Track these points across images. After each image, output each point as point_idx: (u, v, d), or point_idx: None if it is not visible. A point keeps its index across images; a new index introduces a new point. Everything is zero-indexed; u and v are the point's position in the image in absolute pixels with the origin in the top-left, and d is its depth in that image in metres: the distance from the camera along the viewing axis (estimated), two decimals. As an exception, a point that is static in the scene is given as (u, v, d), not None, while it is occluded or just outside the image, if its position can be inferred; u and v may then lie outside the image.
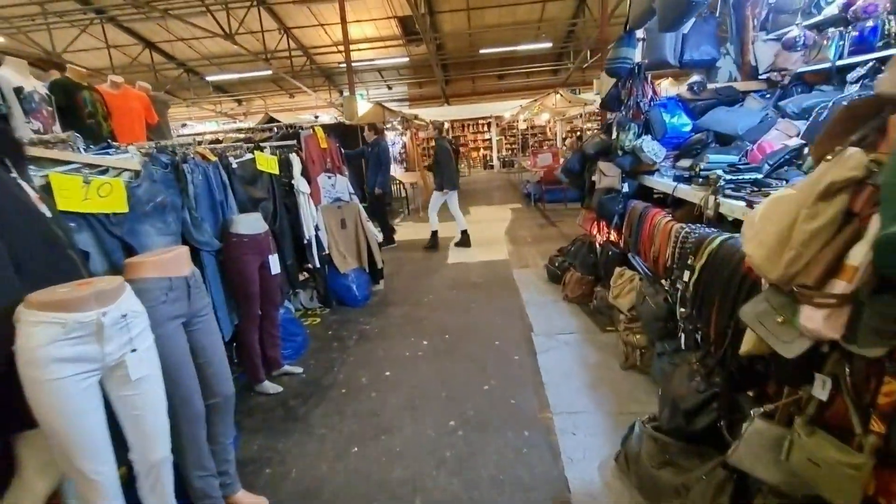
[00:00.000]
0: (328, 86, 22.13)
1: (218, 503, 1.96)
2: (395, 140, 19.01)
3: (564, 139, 18.70)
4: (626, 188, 3.95)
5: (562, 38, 18.88)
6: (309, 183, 4.14)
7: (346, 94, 11.35)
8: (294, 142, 4.37)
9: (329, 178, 4.68)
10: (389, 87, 23.06)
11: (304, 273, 4.46)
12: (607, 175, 3.93)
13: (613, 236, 3.90)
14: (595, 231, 4.33)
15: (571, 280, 4.35)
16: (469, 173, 21.21)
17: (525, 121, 16.98)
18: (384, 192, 7.91)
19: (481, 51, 18.63)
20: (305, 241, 4.15)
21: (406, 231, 8.70)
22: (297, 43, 17.91)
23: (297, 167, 4.03)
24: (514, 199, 11.71)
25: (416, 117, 9.90)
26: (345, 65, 20.54)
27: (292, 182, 3.98)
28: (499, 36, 18.95)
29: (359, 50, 19.13)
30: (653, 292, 2.77)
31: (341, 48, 19.16)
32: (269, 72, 18.44)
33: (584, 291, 4.22)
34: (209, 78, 20.06)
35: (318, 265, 4.28)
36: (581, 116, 20.75)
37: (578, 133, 18.48)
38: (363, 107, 9.56)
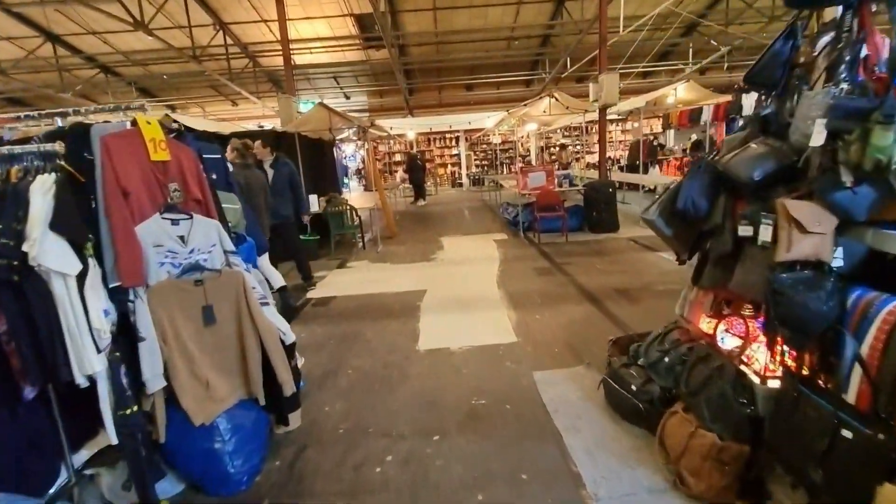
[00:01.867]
0: (276, 92, 19.38)
1: None
2: (350, 154, 16.39)
3: (542, 153, 16.73)
4: (841, 260, 1.69)
5: (536, 46, 17.07)
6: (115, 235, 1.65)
7: (285, 94, 8.82)
8: (60, 146, 1.85)
9: (174, 223, 2.20)
10: (347, 97, 20.57)
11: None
12: (804, 230, 1.65)
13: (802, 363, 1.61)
14: (742, 344, 2.05)
15: (691, 444, 2.00)
16: (436, 192, 18.91)
17: (500, 134, 14.92)
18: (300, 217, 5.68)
19: (450, 55, 16.55)
20: (79, 384, 1.67)
21: (353, 279, 6.21)
22: (236, 41, 15.21)
23: (39, 207, 1.55)
24: (496, 227, 9.44)
25: (372, 123, 7.49)
26: (294, 68, 17.99)
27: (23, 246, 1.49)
28: (468, 46, 16.95)
29: (310, 51, 16.64)
30: None
31: (291, 47, 16.66)
32: (204, 74, 15.66)
33: (731, 480, 1.89)
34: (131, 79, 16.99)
35: (114, 439, 1.79)
36: (559, 131, 18.97)
37: (557, 146, 16.56)
38: (313, 112, 7.11)
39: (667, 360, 2.39)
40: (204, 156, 2.71)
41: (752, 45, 16.63)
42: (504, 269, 6.03)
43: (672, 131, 16.01)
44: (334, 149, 11.04)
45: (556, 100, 7.66)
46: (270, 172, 5.38)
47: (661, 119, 18.71)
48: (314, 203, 7.49)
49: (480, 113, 19.29)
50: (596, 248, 6.84)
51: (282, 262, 5.79)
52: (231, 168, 3.21)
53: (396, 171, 17.17)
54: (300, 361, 3.48)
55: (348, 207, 7.39)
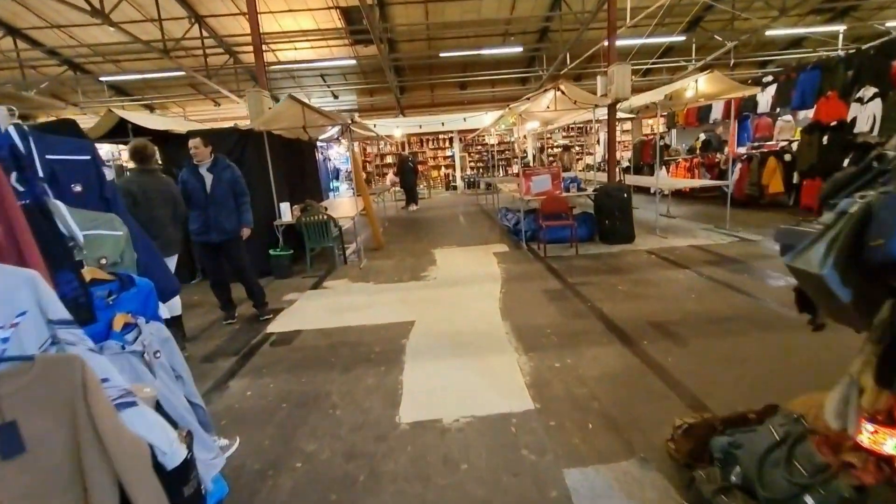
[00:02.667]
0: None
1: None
2: (341, 155, 15.33)
3: (540, 155, 15.78)
4: None
5: (533, 41, 16.11)
6: None
7: (255, 87, 7.77)
8: None
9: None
10: (335, 96, 19.52)
11: None
12: None
13: None
14: None
15: None
16: (430, 195, 17.88)
17: (497, 134, 13.95)
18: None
19: (442, 54, 15.54)
20: None
21: (327, 305, 5.17)
22: (213, 35, 14.10)
23: None
24: (495, 236, 8.43)
25: (353, 120, 6.46)
26: (278, 65, 16.89)
27: None
28: (461, 40, 15.95)
29: (295, 48, 15.58)
30: None
31: (272, 44, 15.56)
32: (182, 72, 14.57)
33: None
34: (103, 78, 15.83)
35: None
36: (558, 131, 18.00)
37: (559, 147, 15.61)
38: (283, 107, 6.06)
39: (811, 501, 1.38)
40: (49, 157, 1.68)
41: (766, 39, 15.83)
42: (507, 291, 5.02)
43: (674, 131, 15.11)
44: (316, 150, 9.98)
45: (563, 93, 6.68)
46: (208, 178, 4.33)
47: (663, 118, 17.88)
48: (286, 212, 6.44)
49: (475, 113, 18.34)
50: (612, 264, 5.85)
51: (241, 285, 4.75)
52: (116, 176, 2.17)
53: (387, 174, 16.09)
54: (233, 448, 2.45)
55: (326, 217, 6.35)
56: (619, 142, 19.79)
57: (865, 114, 7.79)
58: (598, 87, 7.95)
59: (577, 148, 19.58)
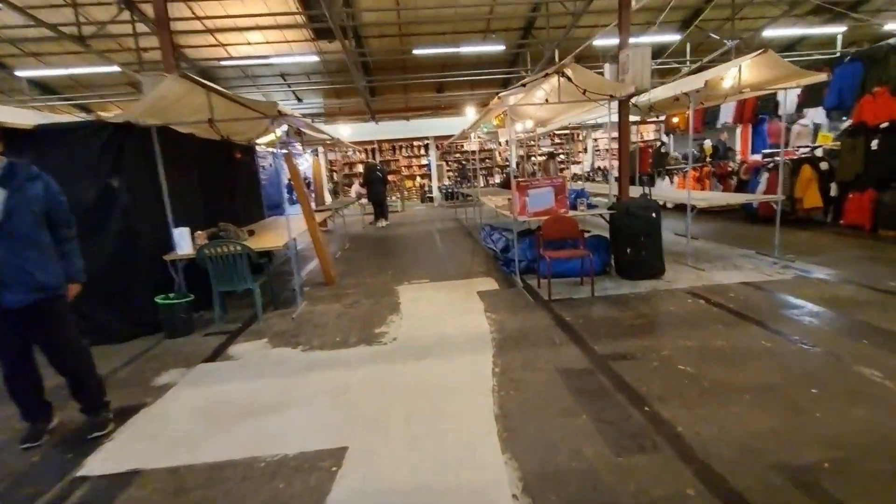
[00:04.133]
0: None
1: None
2: (271, 166, 13.25)
3: (525, 164, 14.09)
4: None
5: (517, 38, 14.49)
6: None
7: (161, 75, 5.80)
8: None
9: None
10: (299, 98, 17.50)
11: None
12: None
13: None
14: None
15: None
16: (403, 208, 15.97)
17: (478, 139, 12.20)
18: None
19: (416, 51, 13.77)
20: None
21: (211, 401, 3.21)
22: (145, 20, 11.99)
23: None
24: (479, 265, 6.58)
25: (281, 111, 4.50)
26: (230, 62, 14.78)
27: None
28: (437, 37, 14.23)
29: (248, 41, 13.57)
30: None
31: (218, 34, 13.40)
32: (116, 68, 12.44)
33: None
34: (21, 73, 13.48)
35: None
36: (545, 137, 16.38)
37: (544, 154, 13.95)
38: (170, 90, 4.08)
39: None
40: None
41: (762, 41, 14.52)
42: (504, 372, 3.16)
43: (671, 137, 13.65)
44: (255, 156, 7.98)
45: (569, 79, 4.94)
46: (0, 195, 2.38)
47: (656, 123, 16.48)
48: (183, 241, 4.46)
49: (453, 118, 16.64)
50: (649, 315, 4.06)
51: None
52: None
53: (352, 185, 14.04)
54: None
55: (241, 247, 4.38)
56: (607, 150, 18.35)
57: (928, 112, 6.31)
58: (606, 76, 6.24)
59: (562, 156, 18.02)
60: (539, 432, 2.42)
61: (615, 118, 5.74)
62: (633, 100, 5.69)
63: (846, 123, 9.66)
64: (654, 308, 4.20)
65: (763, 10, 14.01)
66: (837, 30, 14.45)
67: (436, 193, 17.22)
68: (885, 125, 6.74)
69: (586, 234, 5.14)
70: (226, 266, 4.39)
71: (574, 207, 5.41)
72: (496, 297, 4.92)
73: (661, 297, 4.49)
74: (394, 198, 16.57)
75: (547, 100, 5.65)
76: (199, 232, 4.66)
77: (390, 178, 17.23)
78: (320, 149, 15.46)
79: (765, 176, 8.13)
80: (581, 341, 3.56)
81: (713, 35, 13.65)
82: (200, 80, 4.14)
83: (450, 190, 16.59)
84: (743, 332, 3.50)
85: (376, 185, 11.28)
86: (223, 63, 13.86)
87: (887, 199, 6.48)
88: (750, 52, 4.93)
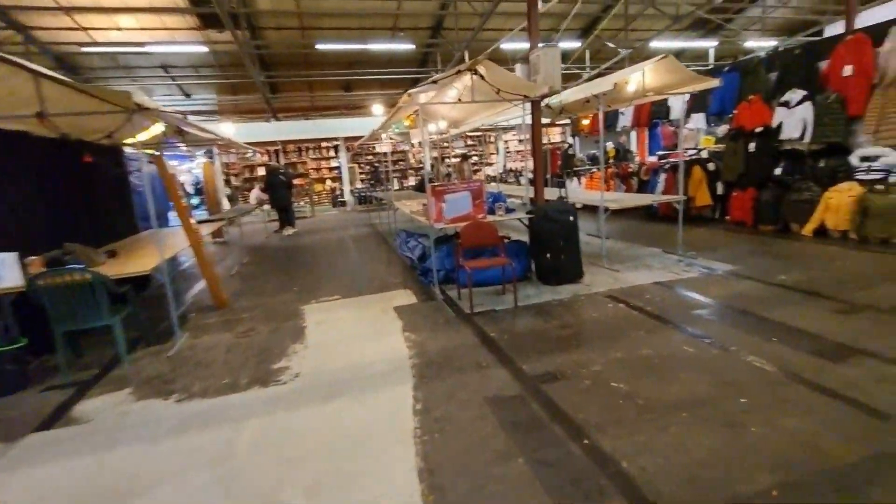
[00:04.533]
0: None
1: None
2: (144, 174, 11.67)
3: (439, 166, 13.87)
4: None
5: (426, 38, 14.21)
6: None
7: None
8: None
9: None
10: (187, 94, 15.64)
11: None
12: None
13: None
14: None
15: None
16: (313, 213, 14.94)
17: (391, 140, 11.68)
18: None
19: (319, 46, 12.91)
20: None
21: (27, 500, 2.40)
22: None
23: None
24: (395, 276, 6.11)
25: (139, 105, 3.64)
26: (92, 49, 12.64)
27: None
28: (342, 32, 13.47)
29: (118, 26, 11.72)
30: None
31: (84, 21, 11.30)
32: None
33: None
34: None
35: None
36: (459, 139, 16.29)
37: (457, 157, 13.85)
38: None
39: None
40: None
41: (649, 51, 15.73)
42: (428, 408, 2.73)
43: (577, 139, 14.28)
44: (123, 161, 6.72)
45: (482, 78, 4.67)
46: None
47: (563, 126, 17.20)
48: (5, 269, 3.44)
49: (364, 119, 15.94)
50: (573, 324, 3.90)
51: None
52: None
53: (251, 190, 12.68)
54: None
55: (91, 275, 3.47)
56: (518, 151, 18.83)
57: (794, 118, 7.04)
58: (519, 74, 6.11)
59: (475, 158, 18.15)
60: (471, 490, 2.02)
61: (528, 119, 5.60)
62: (545, 101, 5.61)
63: (722, 128, 10.66)
64: (578, 316, 4.06)
65: (651, 22, 15.20)
66: (710, 44, 16.16)
67: (348, 197, 16.39)
68: (759, 130, 7.44)
69: (506, 241, 4.91)
70: (69, 299, 3.45)
71: (492, 212, 5.16)
72: (415, 312, 4.49)
73: (582, 303, 4.38)
74: (302, 203, 15.47)
75: (460, 99, 5.34)
76: (33, 258, 3.64)
77: (298, 182, 16.08)
78: (215, 150, 13.90)
79: (663, 176, 8.64)
80: (509, 361, 3.26)
81: (609, 43, 14.51)
82: (19, 61, 3.19)
83: (363, 194, 15.87)
84: (665, 338, 3.44)
85: (279, 189, 10.28)
86: (86, 50, 11.83)
87: (765, 197, 7.13)
88: (641, 62, 5.07)
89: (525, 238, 5.31)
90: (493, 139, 17.97)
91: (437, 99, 5.52)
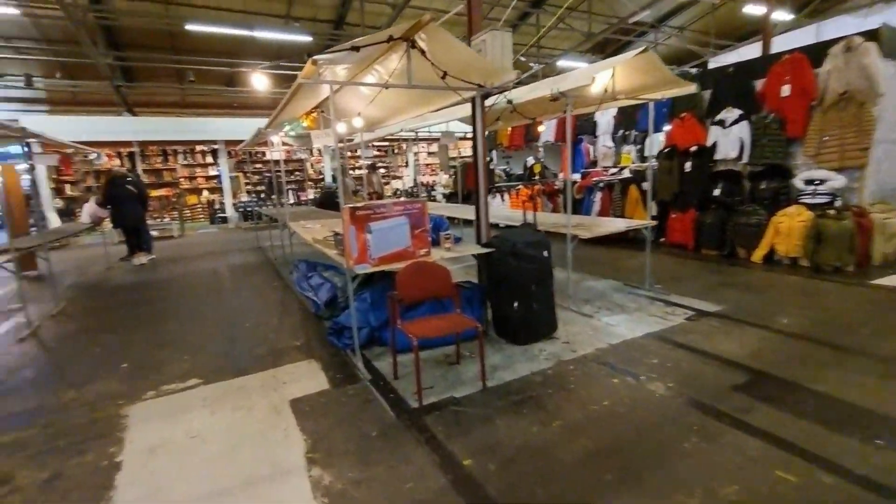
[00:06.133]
0: None
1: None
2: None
3: (344, 178, 11.94)
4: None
5: (328, 30, 12.32)
6: None
7: None
8: None
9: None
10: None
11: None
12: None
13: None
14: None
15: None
16: (182, 232, 11.97)
17: (285, 148, 9.55)
18: None
19: (189, 26, 10.36)
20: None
21: None
22: None
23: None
24: (291, 330, 4.24)
25: None
26: None
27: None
28: (220, 13, 11.03)
29: None
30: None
31: None
32: None
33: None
34: None
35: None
36: (369, 146, 14.51)
37: (363, 168, 12.13)
38: None
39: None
40: None
41: (556, 70, 15.59)
42: None
43: (495, 153, 13.44)
44: None
45: (422, 53, 3.17)
46: None
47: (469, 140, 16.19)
48: None
49: (251, 119, 13.43)
50: (581, 423, 2.51)
51: None
52: None
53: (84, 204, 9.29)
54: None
55: None
56: (427, 164, 17.60)
57: (730, 138, 6.65)
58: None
59: (382, 170, 16.50)
60: None
61: (450, 127, 4.21)
62: (503, 96, 4.30)
63: (631, 147, 10.41)
64: (583, 407, 2.68)
65: (557, 42, 15.06)
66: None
67: (230, 212, 13.61)
68: (694, 149, 7.00)
69: (462, 287, 3.41)
70: None
71: (435, 243, 3.64)
72: (327, 412, 2.75)
73: (576, 378, 3.03)
74: (168, 218, 12.40)
75: (387, 80, 3.76)
76: None
77: (163, 192, 12.94)
78: (37, 148, 10.38)
79: (598, 195, 7.89)
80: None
81: (521, 58, 14.00)
82: None
83: (249, 208, 13.27)
84: (735, 450, 2.19)
85: (127, 203, 7.58)
86: None
87: (709, 219, 6.62)
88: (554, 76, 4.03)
89: (470, 277, 3.87)
90: (402, 149, 16.51)
91: (356, 77, 3.85)
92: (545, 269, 3.55)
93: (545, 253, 3.54)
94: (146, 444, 2.51)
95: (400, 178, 16.58)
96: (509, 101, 4.24)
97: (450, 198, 12.35)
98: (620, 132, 8.90)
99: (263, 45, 12.10)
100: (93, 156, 10.76)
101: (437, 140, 14.22)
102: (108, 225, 8.35)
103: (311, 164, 15.30)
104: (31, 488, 2.18)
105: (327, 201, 10.33)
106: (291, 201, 13.78)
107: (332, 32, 12.05)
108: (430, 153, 17.54)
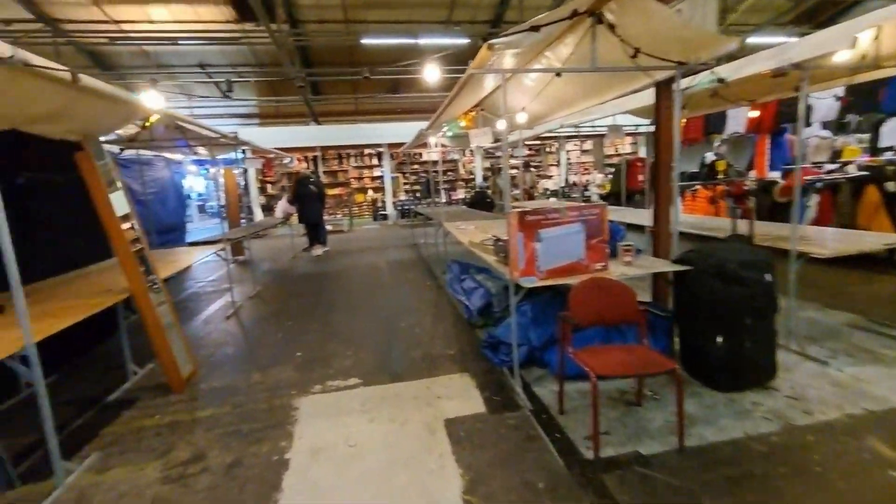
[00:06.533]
0: (107, 77, 12.92)
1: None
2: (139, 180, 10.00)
3: (495, 178, 11.84)
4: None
5: (483, 32, 12.29)
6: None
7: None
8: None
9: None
10: (226, 94, 14.51)
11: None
12: None
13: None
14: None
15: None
16: (351, 227, 13.27)
17: (441, 148, 9.80)
18: None
19: (364, 40, 11.32)
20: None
21: None
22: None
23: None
24: (445, 337, 4.10)
25: (77, 77, 1.87)
26: (122, 38, 11.44)
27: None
28: (388, 25, 11.82)
29: (149, 18, 10.60)
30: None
31: (114, 13, 10.13)
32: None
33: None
34: None
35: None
36: (521, 145, 14.28)
37: (517, 167, 11.76)
38: None
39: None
40: None
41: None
42: None
43: (643, 148, 11.81)
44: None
45: (610, 27, 2.63)
46: None
47: (635, 136, 14.55)
48: None
49: (412, 123, 14.18)
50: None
51: None
52: None
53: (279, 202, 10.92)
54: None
55: None
56: (580, 163, 16.49)
57: None
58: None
59: (533, 168, 15.96)
60: None
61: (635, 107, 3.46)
62: (699, 78, 3.48)
63: (851, 137, 7.99)
64: (839, 499, 1.86)
65: (747, 16, 12.57)
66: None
67: (390, 210, 14.65)
68: None
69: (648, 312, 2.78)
70: None
71: (614, 255, 3.06)
72: (483, 444, 2.43)
73: (822, 459, 2.16)
74: (340, 215, 13.88)
75: (566, 68, 3.29)
76: None
77: (337, 191, 14.54)
78: (249, 154, 12.56)
79: (815, 199, 6.18)
80: None
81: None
82: None
83: (406, 207, 14.07)
84: None
85: (310, 202, 8.58)
86: (118, 44, 10.78)
87: None
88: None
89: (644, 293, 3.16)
90: (554, 148, 15.75)
91: (530, 62, 3.47)
92: (767, 297, 2.69)
93: (767, 277, 2.67)
94: (311, 443, 2.52)
95: (550, 177, 15.85)
96: (721, 80, 3.37)
97: (605, 199, 11.23)
98: (848, 118, 6.86)
99: (425, 51, 12.62)
100: (287, 160, 12.56)
101: (597, 136, 13.14)
102: (294, 219, 9.57)
103: (463, 165, 15.58)
104: (217, 471, 2.32)
105: (479, 201, 10.28)
106: (443, 200, 14.22)
107: (489, 32, 11.96)
108: (583, 151, 16.40)
